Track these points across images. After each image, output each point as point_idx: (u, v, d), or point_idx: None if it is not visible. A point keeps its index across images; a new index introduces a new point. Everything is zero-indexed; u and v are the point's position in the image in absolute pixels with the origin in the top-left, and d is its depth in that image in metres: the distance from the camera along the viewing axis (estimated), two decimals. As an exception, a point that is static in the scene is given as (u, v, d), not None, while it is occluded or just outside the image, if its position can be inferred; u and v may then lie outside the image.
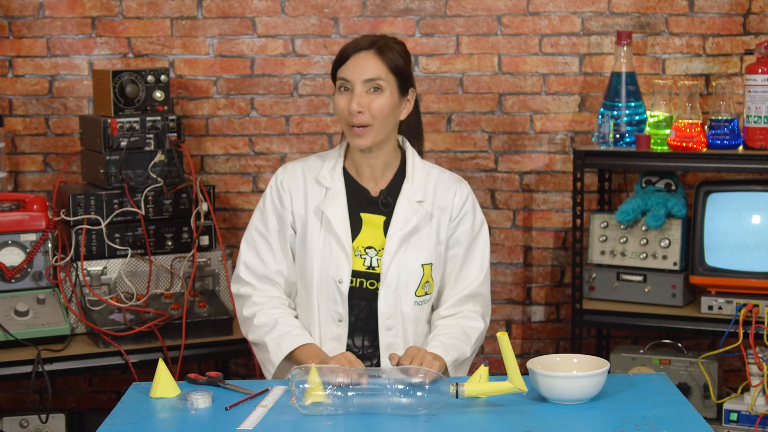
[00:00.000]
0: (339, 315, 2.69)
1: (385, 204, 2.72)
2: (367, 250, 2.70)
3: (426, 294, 2.72)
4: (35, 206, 3.46)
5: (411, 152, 2.78)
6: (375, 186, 2.74)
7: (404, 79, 2.70)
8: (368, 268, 2.69)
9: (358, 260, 2.69)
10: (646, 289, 3.72)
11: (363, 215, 2.72)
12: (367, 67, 2.64)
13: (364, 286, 2.69)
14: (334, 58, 2.71)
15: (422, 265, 2.70)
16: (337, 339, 2.70)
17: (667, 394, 2.42)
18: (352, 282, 2.68)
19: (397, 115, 2.70)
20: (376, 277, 2.69)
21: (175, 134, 3.60)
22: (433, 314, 2.79)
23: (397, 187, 2.74)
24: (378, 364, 2.71)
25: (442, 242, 2.74)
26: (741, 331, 3.47)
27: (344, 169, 2.75)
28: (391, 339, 2.69)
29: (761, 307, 3.51)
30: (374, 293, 2.69)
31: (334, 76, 2.71)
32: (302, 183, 2.75)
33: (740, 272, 3.58)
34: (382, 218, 2.72)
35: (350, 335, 2.70)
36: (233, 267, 3.80)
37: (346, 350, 2.69)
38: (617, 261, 3.79)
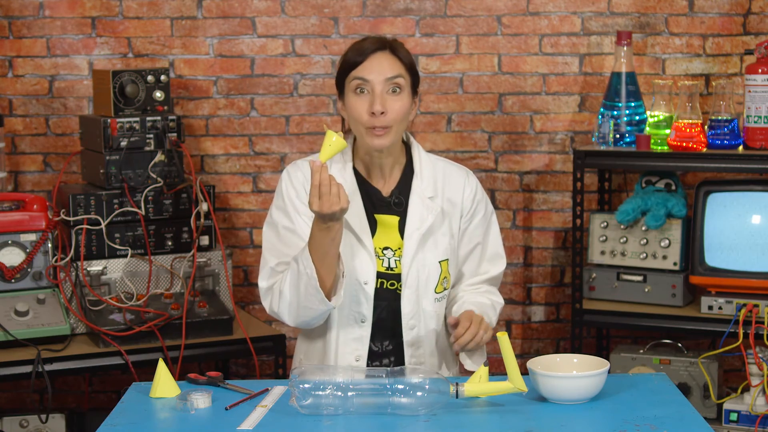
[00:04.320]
0: (362, 316, 2.67)
1: (397, 204, 2.71)
2: (384, 251, 2.69)
3: (445, 290, 2.73)
4: (35, 206, 3.45)
5: (416, 147, 2.77)
6: (385, 185, 2.73)
7: (417, 78, 2.70)
8: (387, 269, 2.68)
9: (377, 261, 2.68)
10: (646, 289, 3.72)
11: (377, 216, 2.71)
12: (386, 66, 2.62)
13: (385, 286, 2.68)
14: (342, 62, 2.67)
15: (440, 262, 2.71)
16: (359, 340, 2.68)
17: (667, 394, 2.42)
18: (375, 283, 2.67)
19: (409, 115, 2.70)
20: (396, 278, 2.68)
21: (175, 134, 3.60)
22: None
23: (407, 184, 2.73)
24: (397, 362, 2.70)
25: (455, 236, 2.76)
26: (741, 331, 3.47)
27: (354, 170, 2.74)
28: (414, 336, 2.69)
29: (761, 307, 3.51)
30: (395, 293, 2.68)
31: (342, 80, 2.67)
32: None
33: (740, 272, 3.58)
34: (396, 218, 2.71)
35: (371, 336, 2.68)
36: (233, 267, 3.81)
37: (368, 352, 2.68)
38: (617, 261, 3.79)
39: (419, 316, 2.69)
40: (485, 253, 2.81)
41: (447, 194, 2.75)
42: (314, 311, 2.58)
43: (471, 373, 2.47)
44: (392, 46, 2.66)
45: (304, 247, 2.55)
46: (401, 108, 2.63)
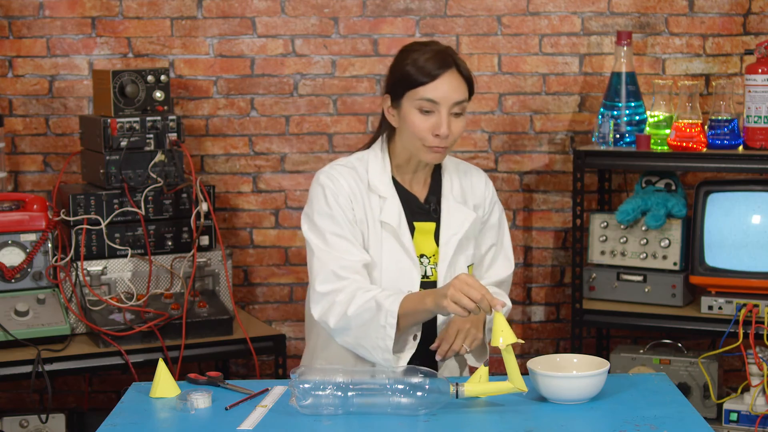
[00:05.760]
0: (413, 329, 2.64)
1: (436, 211, 2.71)
2: (422, 259, 2.68)
3: None
4: (35, 206, 3.45)
5: None
6: (418, 190, 2.73)
7: (472, 93, 2.67)
8: (423, 277, 2.67)
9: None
10: (646, 289, 3.72)
11: (415, 224, 2.69)
12: (455, 88, 2.58)
13: None
14: (406, 75, 2.59)
15: (468, 267, 2.72)
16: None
17: (667, 394, 2.42)
18: None
19: None
20: (433, 285, 2.66)
21: (175, 134, 3.60)
22: None
23: (437, 188, 2.73)
24: (423, 363, 2.67)
25: (477, 239, 2.77)
26: (741, 331, 3.47)
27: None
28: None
29: (761, 307, 3.51)
30: None
31: (402, 91, 2.60)
32: (357, 189, 2.65)
33: (740, 272, 3.58)
34: (432, 225, 2.70)
35: None
36: (233, 267, 3.81)
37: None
38: (617, 261, 3.79)
39: (448, 320, 2.69)
40: (498, 254, 2.82)
41: (473, 200, 2.76)
42: (369, 356, 2.57)
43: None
44: (457, 63, 2.60)
45: (393, 299, 2.50)
46: (461, 128, 2.61)
